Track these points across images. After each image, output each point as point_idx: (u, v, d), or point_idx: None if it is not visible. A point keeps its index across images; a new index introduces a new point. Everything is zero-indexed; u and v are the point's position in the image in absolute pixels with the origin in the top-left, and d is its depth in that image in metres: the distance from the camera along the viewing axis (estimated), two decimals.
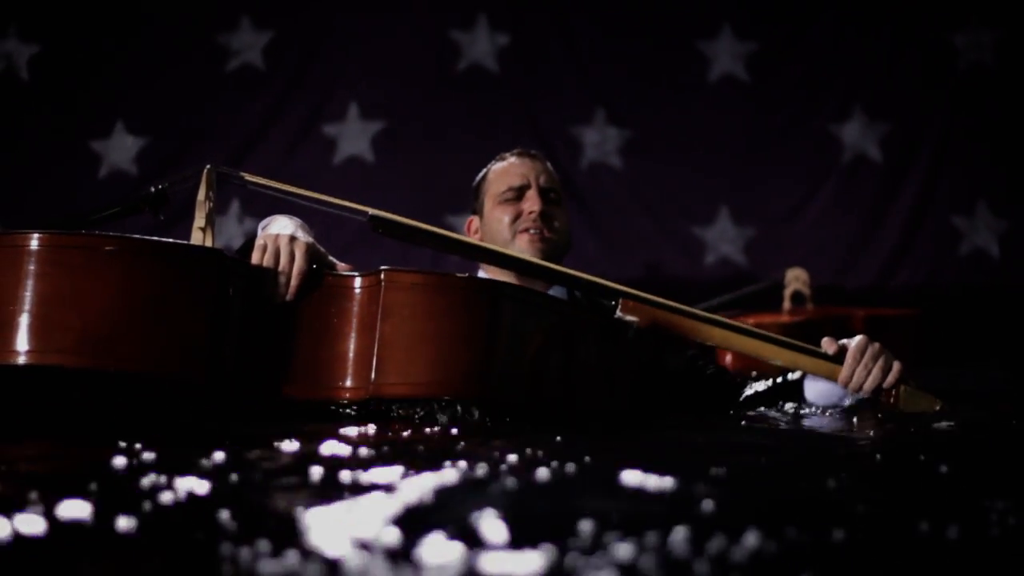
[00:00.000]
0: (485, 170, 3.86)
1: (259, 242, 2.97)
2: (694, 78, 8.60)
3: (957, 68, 8.47)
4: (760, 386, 3.58)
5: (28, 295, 2.73)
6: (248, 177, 3.16)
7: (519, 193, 3.71)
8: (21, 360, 2.73)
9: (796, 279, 7.14)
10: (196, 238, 3.03)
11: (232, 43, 8.64)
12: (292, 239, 2.95)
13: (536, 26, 8.66)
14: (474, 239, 3.62)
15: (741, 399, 3.56)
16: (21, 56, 8.61)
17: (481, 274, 3.67)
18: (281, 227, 3.05)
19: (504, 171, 3.79)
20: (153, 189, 3.22)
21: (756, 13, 8.63)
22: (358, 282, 2.94)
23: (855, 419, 3.22)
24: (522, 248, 3.62)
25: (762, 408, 3.47)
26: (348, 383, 2.91)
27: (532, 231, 3.64)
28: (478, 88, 8.63)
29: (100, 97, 8.63)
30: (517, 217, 3.68)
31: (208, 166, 3.09)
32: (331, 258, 3.05)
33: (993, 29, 8.43)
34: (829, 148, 8.56)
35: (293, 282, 2.91)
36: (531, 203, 3.68)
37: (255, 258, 2.93)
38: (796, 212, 8.56)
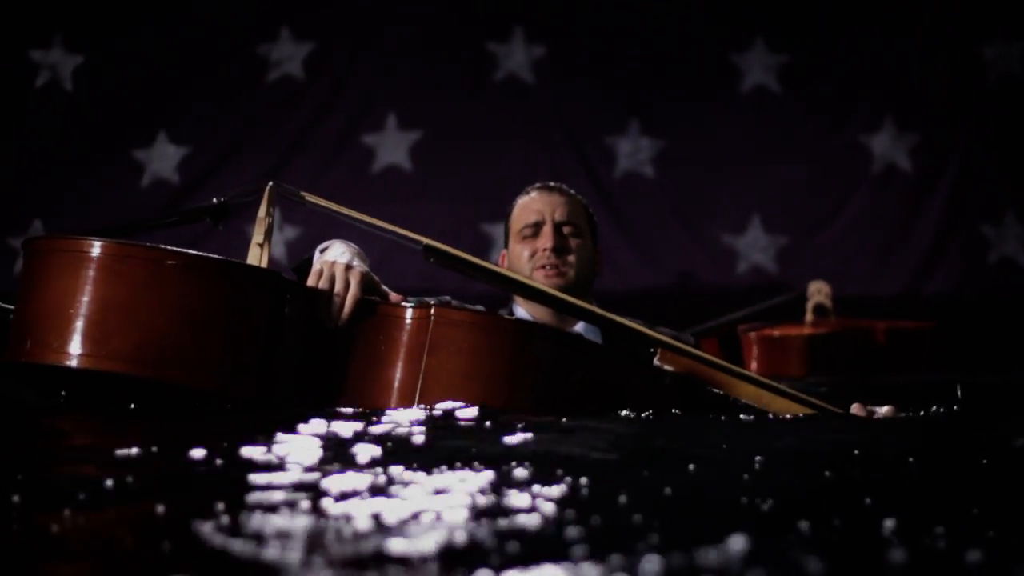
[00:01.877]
0: (511, 205, 3.95)
1: (316, 267, 3.03)
2: (727, 89, 8.69)
3: (986, 79, 8.53)
4: None
5: (88, 301, 2.78)
6: (308, 197, 3.19)
7: (536, 230, 3.81)
8: (75, 363, 2.78)
9: (819, 292, 7.20)
10: (254, 253, 3.07)
11: (272, 54, 8.76)
12: (348, 267, 3.02)
13: (571, 38, 8.75)
14: (518, 276, 3.60)
15: None
16: (66, 67, 8.75)
17: (516, 307, 3.78)
18: (338, 253, 3.11)
19: (524, 207, 3.88)
20: (215, 201, 3.28)
21: (788, 26, 8.69)
22: (409, 313, 2.99)
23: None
24: (540, 283, 3.65)
25: None
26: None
27: (547, 267, 3.74)
28: (514, 98, 8.72)
29: (143, 107, 8.76)
30: (534, 254, 3.78)
31: (271, 183, 3.13)
32: (384, 287, 3.11)
33: (1022, 41, 8.50)
34: (859, 158, 8.62)
35: (347, 308, 2.97)
36: (544, 240, 3.77)
37: (311, 282, 3.00)
38: (827, 221, 8.62)
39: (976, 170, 8.55)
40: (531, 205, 3.87)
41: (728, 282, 8.44)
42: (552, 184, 3.94)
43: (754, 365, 6.77)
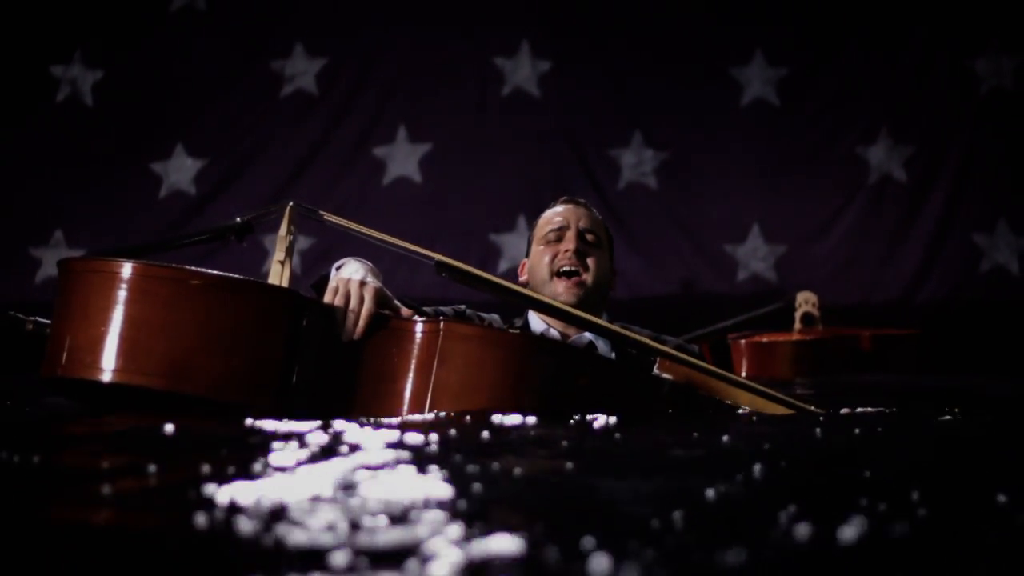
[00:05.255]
0: (537, 219, 4.05)
1: (332, 284, 3.18)
2: (727, 102, 8.84)
3: (978, 92, 8.68)
4: None
5: (119, 318, 2.91)
6: (327, 216, 3.37)
7: (559, 234, 3.91)
8: (107, 378, 2.92)
9: (806, 301, 7.35)
10: (275, 270, 3.23)
11: (286, 69, 8.96)
12: (363, 283, 3.17)
13: (576, 53, 8.91)
14: (525, 289, 3.71)
15: None
16: (85, 82, 8.95)
17: (529, 314, 3.89)
18: (353, 271, 3.25)
19: (549, 216, 3.99)
20: (239, 220, 3.44)
21: (787, 41, 8.85)
22: (419, 327, 3.13)
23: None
24: (558, 292, 3.81)
25: None
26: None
27: (568, 267, 3.84)
28: (521, 112, 8.89)
29: (160, 120, 8.97)
30: (555, 256, 3.88)
31: (291, 203, 3.30)
32: (396, 302, 3.27)
33: (1013, 56, 8.65)
34: (856, 169, 8.77)
35: (361, 323, 3.13)
36: (567, 243, 3.87)
37: (327, 298, 3.14)
38: (825, 230, 8.75)
39: (969, 180, 8.68)
40: (557, 214, 3.99)
41: (728, 290, 8.57)
42: (579, 199, 4.06)
43: (744, 369, 6.95)
